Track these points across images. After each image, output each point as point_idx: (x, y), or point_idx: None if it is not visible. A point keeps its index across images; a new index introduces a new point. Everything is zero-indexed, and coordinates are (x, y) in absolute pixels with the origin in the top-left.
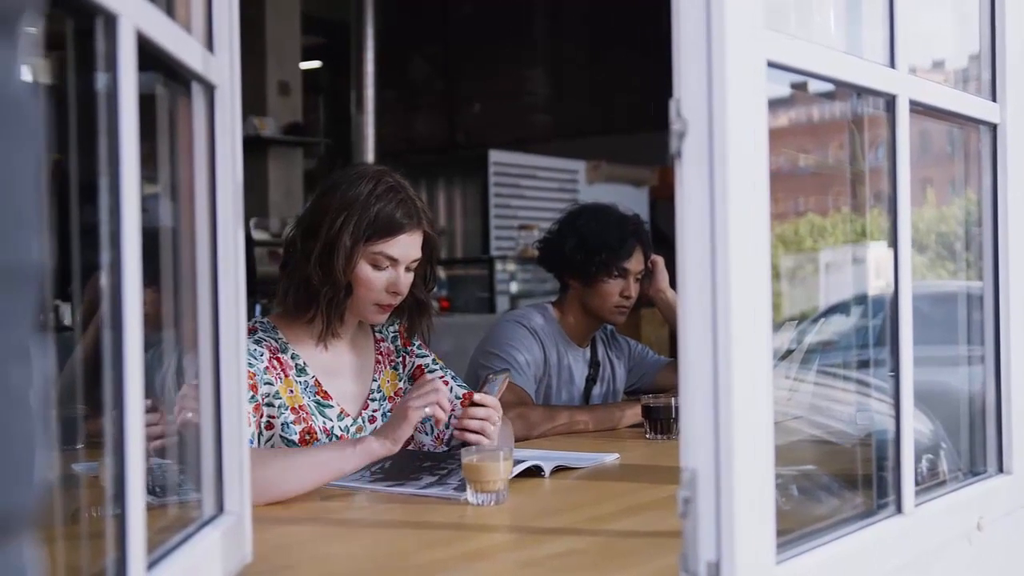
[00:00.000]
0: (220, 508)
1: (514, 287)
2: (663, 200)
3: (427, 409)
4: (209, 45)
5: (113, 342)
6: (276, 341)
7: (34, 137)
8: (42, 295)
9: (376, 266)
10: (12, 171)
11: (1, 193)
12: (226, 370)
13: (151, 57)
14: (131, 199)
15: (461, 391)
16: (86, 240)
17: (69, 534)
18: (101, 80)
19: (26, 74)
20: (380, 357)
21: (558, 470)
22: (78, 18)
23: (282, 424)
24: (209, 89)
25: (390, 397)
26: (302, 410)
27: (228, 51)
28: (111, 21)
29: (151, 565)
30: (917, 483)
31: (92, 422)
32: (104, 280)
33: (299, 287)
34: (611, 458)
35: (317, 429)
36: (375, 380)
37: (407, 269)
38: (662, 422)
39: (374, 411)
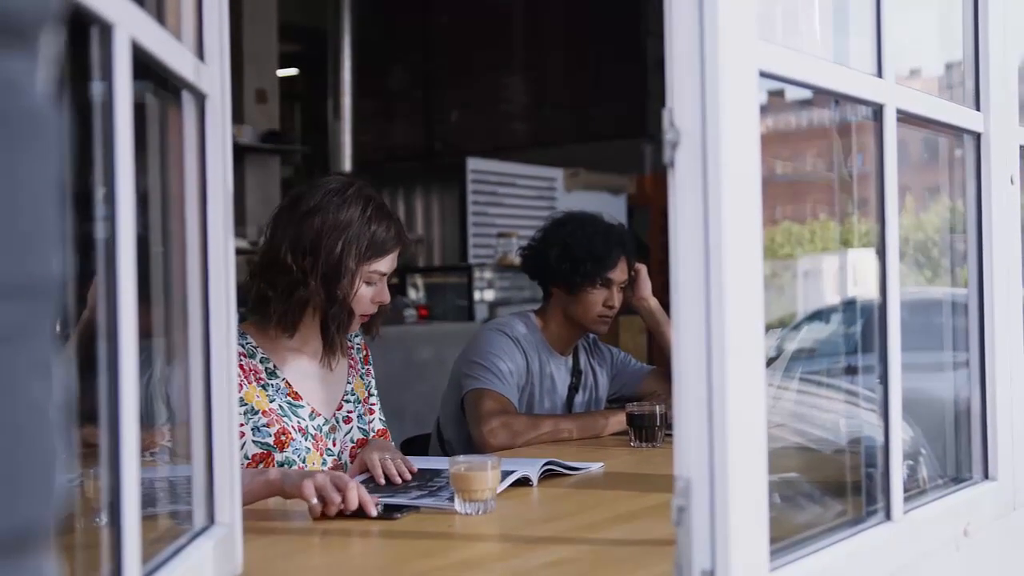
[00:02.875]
0: (211, 519)
1: (492, 295)
2: (640, 207)
3: (314, 500)
4: (200, 54)
5: (108, 352)
6: (243, 346)
7: (54, 149)
8: (60, 308)
9: (369, 283)
10: (32, 184)
11: (21, 206)
12: (216, 381)
13: (142, 65)
14: (126, 208)
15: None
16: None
17: (59, 545)
18: (95, 89)
19: (45, 86)
20: (352, 362)
21: (547, 476)
22: (72, 27)
23: (254, 428)
24: (200, 98)
25: (363, 400)
26: (272, 413)
27: (219, 60)
28: (106, 30)
29: None
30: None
31: (77, 432)
32: (100, 289)
33: (297, 307)
34: (596, 467)
35: (291, 429)
36: (349, 383)
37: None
38: (647, 430)
39: (348, 412)
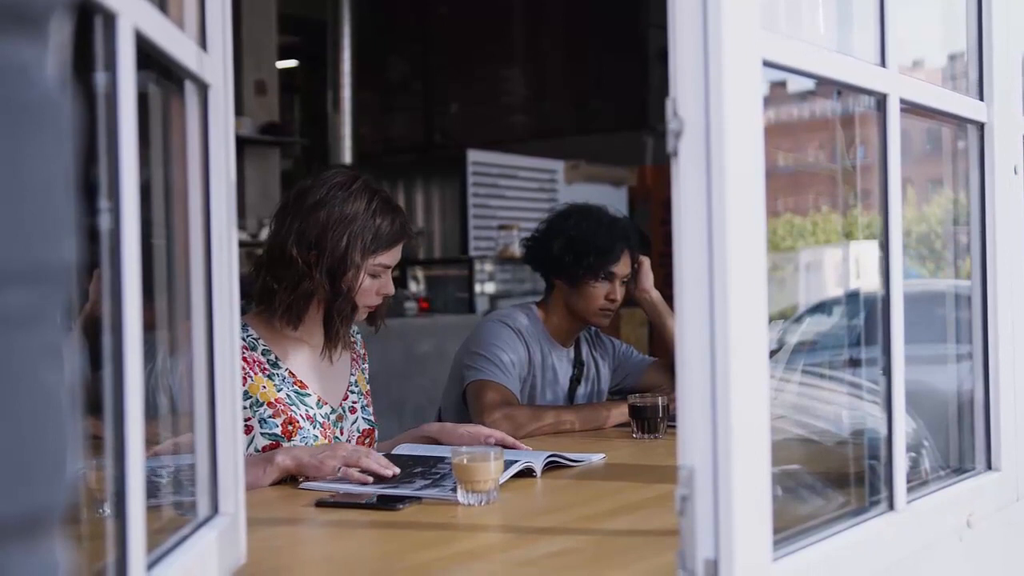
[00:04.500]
0: (215, 509)
1: (493, 287)
2: (641, 199)
3: (340, 472)
4: (202, 44)
5: (113, 344)
6: (244, 339)
7: (65, 135)
8: (71, 295)
9: (374, 275)
10: (44, 170)
11: (33, 192)
12: (220, 371)
13: (145, 55)
14: (130, 199)
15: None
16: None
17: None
18: (99, 79)
19: (55, 73)
20: (354, 355)
21: (549, 468)
22: (75, 17)
23: (260, 421)
24: (203, 88)
25: (365, 393)
26: (279, 403)
27: (221, 50)
28: (110, 19)
29: (150, 566)
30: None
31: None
32: (105, 280)
33: (302, 299)
34: (598, 458)
35: (299, 417)
36: (352, 375)
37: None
38: (649, 421)
39: (353, 403)
